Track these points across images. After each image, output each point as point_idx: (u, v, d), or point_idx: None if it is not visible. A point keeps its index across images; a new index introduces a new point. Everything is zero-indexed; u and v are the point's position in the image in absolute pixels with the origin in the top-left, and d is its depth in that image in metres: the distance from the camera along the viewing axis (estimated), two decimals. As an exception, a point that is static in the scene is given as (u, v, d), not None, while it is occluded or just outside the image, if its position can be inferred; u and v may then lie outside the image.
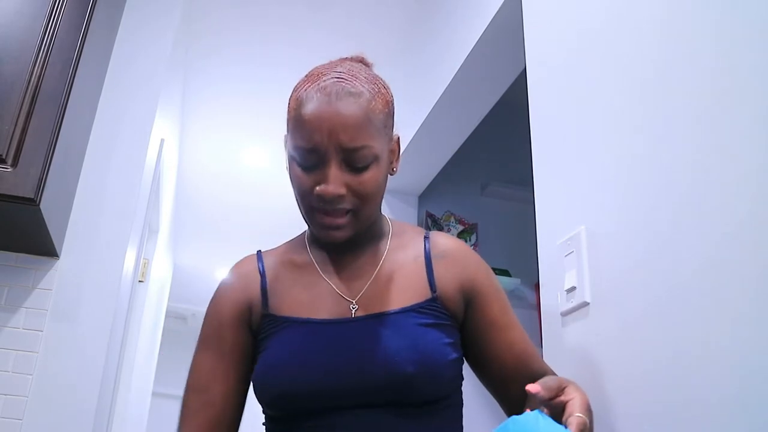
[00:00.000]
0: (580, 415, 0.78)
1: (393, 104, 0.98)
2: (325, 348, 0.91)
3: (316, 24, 2.76)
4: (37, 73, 1.56)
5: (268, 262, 1.03)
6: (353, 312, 0.95)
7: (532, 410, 0.77)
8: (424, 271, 0.99)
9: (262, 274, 1.01)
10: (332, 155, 0.89)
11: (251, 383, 0.96)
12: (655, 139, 1.05)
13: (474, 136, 2.50)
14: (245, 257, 1.06)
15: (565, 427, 0.74)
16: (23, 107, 1.52)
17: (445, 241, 1.04)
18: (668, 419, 0.93)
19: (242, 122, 3.48)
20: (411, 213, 2.89)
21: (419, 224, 2.91)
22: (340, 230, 0.92)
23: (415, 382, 0.88)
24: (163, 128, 2.48)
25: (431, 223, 2.90)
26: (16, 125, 1.51)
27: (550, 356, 1.24)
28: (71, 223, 1.83)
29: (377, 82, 0.96)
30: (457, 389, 0.97)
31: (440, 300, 0.96)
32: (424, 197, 2.95)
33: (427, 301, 0.96)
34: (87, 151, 1.92)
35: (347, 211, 0.91)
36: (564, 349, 1.17)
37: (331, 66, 0.96)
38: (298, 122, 0.91)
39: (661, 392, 0.94)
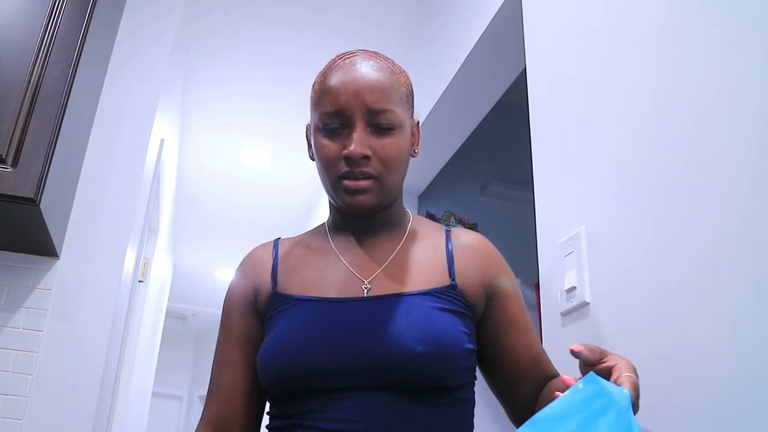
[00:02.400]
0: (630, 374, 0.75)
1: (413, 90, 1.02)
2: (332, 326, 0.89)
3: (316, 24, 2.76)
4: (37, 73, 1.56)
5: (284, 246, 1.04)
6: (365, 291, 0.93)
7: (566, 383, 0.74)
8: (445, 259, 0.98)
9: (275, 258, 1.01)
10: (357, 117, 0.92)
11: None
12: (655, 139, 1.05)
13: (474, 136, 2.50)
14: (263, 243, 1.07)
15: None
16: (23, 107, 1.52)
17: (468, 236, 1.03)
18: (668, 419, 0.93)
19: (242, 122, 3.48)
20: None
21: (419, 224, 2.91)
22: (366, 194, 0.92)
23: (423, 362, 0.84)
24: (163, 128, 2.48)
25: (431, 223, 2.90)
26: (16, 125, 1.51)
27: (550, 356, 1.23)
28: (71, 223, 1.83)
29: (398, 66, 1.01)
30: (470, 384, 0.94)
31: (460, 289, 0.94)
32: (424, 197, 2.95)
33: (445, 287, 0.94)
34: (87, 151, 1.92)
35: (371, 177, 0.92)
36: (564, 349, 1.16)
37: (352, 51, 1.00)
38: (324, 90, 0.95)
39: (661, 392, 0.94)
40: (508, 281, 1.01)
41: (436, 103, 2.29)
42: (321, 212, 3.87)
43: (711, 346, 0.88)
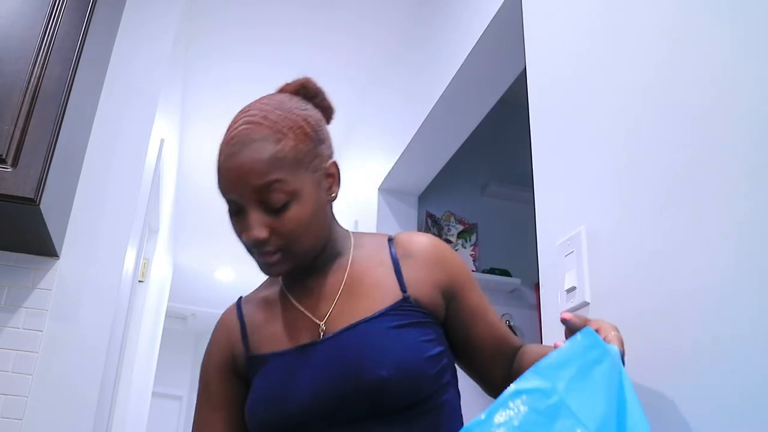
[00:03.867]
0: (616, 333, 0.84)
1: (318, 133, 0.97)
2: (299, 372, 0.91)
3: (317, 23, 2.76)
4: (37, 73, 1.56)
5: (247, 308, 1.05)
6: (321, 334, 0.95)
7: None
8: (392, 273, 0.98)
9: (241, 320, 1.03)
10: (248, 200, 0.91)
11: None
12: (655, 139, 1.06)
13: (474, 136, 2.50)
14: (229, 306, 1.08)
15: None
16: (23, 107, 1.52)
17: (410, 240, 1.03)
18: (668, 418, 0.93)
19: (242, 122, 3.47)
20: (411, 213, 2.89)
21: (419, 224, 2.91)
22: (277, 266, 0.93)
23: (391, 385, 0.87)
24: (163, 128, 2.48)
25: (431, 223, 2.90)
26: (16, 125, 1.51)
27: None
28: (71, 223, 1.83)
29: (294, 117, 0.95)
30: (446, 386, 0.95)
31: (413, 299, 0.95)
32: (424, 197, 2.95)
33: (398, 302, 0.95)
34: (87, 151, 1.92)
35: (277, 251, 0.92)
36: (564, 349, 1.16)
37: (251, 106, 0.98)
38: (218, 175, 0.96)
39: (661, 391, 0.94)
40: (462, 273, 1.03)
41: (436, 103, 2.29)
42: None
43: (711, 346, 0.88)
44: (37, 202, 1.48)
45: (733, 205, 0.88)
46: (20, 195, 1.47)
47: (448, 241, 2.82)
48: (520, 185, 2.93)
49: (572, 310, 1.19)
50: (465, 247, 2.82)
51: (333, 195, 0.98)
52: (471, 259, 2.79)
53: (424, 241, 1.03)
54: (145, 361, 3.33)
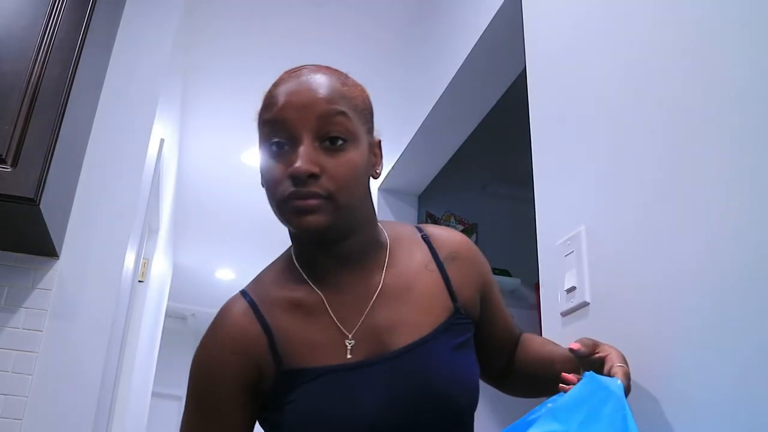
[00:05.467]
0: (622, 365, 0.84)
1: (371, 106, 0.93)
2: (360, 391, 0.83)
3: (317, 22, 2.76)
4: (37, 73, 1.56)
5: (270, 312, 0.89)
6: (383, 348, 0.86)
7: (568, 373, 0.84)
8: (441, 279, 0.92)
9: (265, 328, 0.87)
10: (305, 129, 0.82)
11: None
12: (655, 139, 1.06)
13: (474, 136, 2.50)
14: (234, 305, 0.91)
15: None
16: (23, 107, 1.52)
17: (450, 239, 0.98)
18: (668, 418, 0.93)
19: (242, 122, 3.46)
20: (411, 213, 2.89)
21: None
22: (315, 213, 0.81)
23: (465, 411, 0.87)
24: (163, 128, 2.48)
25: (431, 223, 2.90)
26: (16, 125, 1.51)
27: (550, 356, 1.24)
28: (71, 223, 1.83)
29: (354, 80, 0.92)
30: None
31: (463, 309, 0.92)
32: (424, 197, 2.95)
33: (452, 315, 0.91)
34: (87, 151, 1.92)
35: (321, 197, 0.81)
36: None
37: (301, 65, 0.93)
38: (268, 102, 0.86)
39: (661, 391, 0.94)
40: (489, 272, 1.03)
41: (436, 103, 2.29)
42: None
43: (711, 346, 0.88)
44: (37, 202, 1.48)
45: (734, 205, 0.88)
46: (20, 195, 1.47)
47: (448, 241, 2.81)
48: (520, 185, 2.92)
49: (572, 310, 1.19)
50: (465, 247, 2.82)
51: (378, 170, 0.91)
52: (471, 259, 2.78)
53: (461, 240, 1.00)
54: (144, 360, 3.33)
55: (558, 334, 1.23)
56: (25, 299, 1.73)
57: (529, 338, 1.06)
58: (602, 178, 1.18)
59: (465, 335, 0.92)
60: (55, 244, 1.71)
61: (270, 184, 0.84)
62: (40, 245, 1.72)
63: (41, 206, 1.49)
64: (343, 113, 0.83)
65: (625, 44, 1.17)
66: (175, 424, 6.83)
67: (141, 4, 2.17)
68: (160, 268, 3.68)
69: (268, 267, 0.97)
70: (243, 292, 0.92)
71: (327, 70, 0.89)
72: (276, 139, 0.84)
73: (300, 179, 0.80)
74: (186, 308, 6.31)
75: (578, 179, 1.25)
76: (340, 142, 0.83)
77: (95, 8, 1.68)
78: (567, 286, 1.21)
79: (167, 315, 4.86)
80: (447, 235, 1.00)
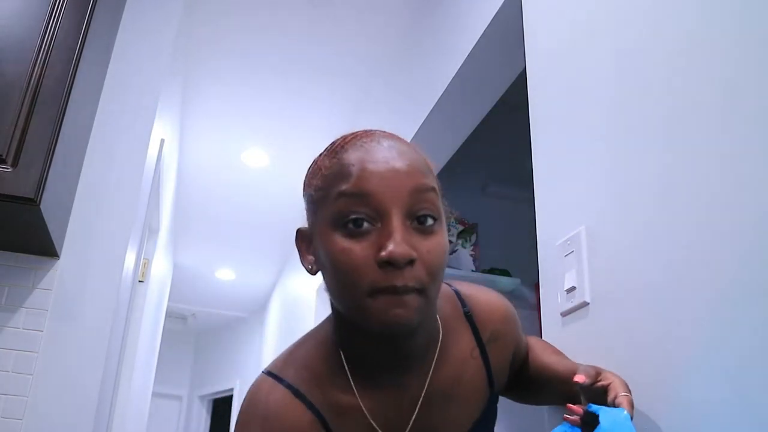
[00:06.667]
0: (626, 393, 0.83)
1: None
2: None
3: (317, 22, 2.76)
4: (37, 73, 1.56)
5: (323, 407, 0.78)
6: None
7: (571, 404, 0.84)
8: (483, 367, 0.88)
9: (324, 425, 0.78)
10: (394, 206, 0.70)
11: None
12: (655, 138, 1.06)
13: (474, 136, 2.50)
14: (282, 396, 0.78)
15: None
16: (23, 107, 1.52)
17: (491, 313, 0.91)
18: (668, 419, 0.93)
19: (242, 122, 3.48)
20: (411, 213, 2.89)
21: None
22: (405, 308, 0.69)
23: None
24: (163, 128, 2.48)
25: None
26: (16, 125, 1.51)
27: (550, 356, 1.24)
28: (71, 223, 1.83)
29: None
30: None
31: (497, 391, 0.91)
32: (424, 197, 2.94)
33: (488, 401, 0.89)
34: (87, 151, 1.92)
35: (414, 290, 0.69)
36: (564, 349, 1.16)
37: (364, 130, 0.81)
38: (339, 170, 0.72)
39: (661, 392, 0.94)
40: (521, 335, 1.00)
41: (436, 103, 2.29)
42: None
43: (711, 346, 0.88)
44: (37, 202, 1.48)
45: (734, 205, 0.88)
46: (20, 195, 1.47)
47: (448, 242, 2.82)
48: (520, 185, 2.92)
49: (572, 310, 1.19)
50: (465, 247, 2.82)
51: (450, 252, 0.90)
52: (471, 259, 2.79)
53: (503, 314, 0.92)
54: (145, 360, 3.33)
55: (558, 334, 1.24)
56: (26, 299, 1.73)
57: (533, 348, 1.05)
58: (602, 178, 1.18)
59: (492, 416, 0.91)
60: (55, 244, 1.71)
61: (348, 270, 0.70)
62: (41, 245, 1.72)
63: (41, 206, 1.50)
64: (434, 189, 0.75)
65: (625, 44, 1.17)
66: (175, 424, 6.85)
67: (141, 4, 2.17)
68: (160, 268, 3.68)
69: (300, 345, 0.85)
70: (274, 376, 0.81)
71: (400, 138, 0.79)
72: (354, 216, 0.70)
73: (399, 266, 0.68)
74: (186, 308, 6.32)
75: (578, 179, 1.25)
76: (430, 221, 0.72)
77: (96, 9, 1.69)
78: (567, 286, 1.21)
79: (167, 315, 4.86)
80: (488, 309, 0.92)
